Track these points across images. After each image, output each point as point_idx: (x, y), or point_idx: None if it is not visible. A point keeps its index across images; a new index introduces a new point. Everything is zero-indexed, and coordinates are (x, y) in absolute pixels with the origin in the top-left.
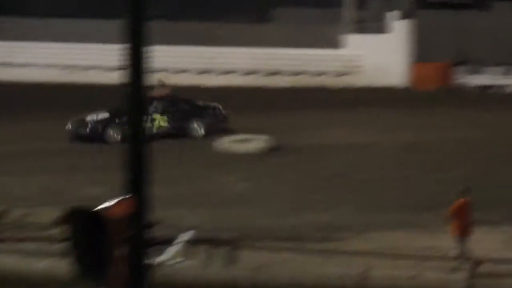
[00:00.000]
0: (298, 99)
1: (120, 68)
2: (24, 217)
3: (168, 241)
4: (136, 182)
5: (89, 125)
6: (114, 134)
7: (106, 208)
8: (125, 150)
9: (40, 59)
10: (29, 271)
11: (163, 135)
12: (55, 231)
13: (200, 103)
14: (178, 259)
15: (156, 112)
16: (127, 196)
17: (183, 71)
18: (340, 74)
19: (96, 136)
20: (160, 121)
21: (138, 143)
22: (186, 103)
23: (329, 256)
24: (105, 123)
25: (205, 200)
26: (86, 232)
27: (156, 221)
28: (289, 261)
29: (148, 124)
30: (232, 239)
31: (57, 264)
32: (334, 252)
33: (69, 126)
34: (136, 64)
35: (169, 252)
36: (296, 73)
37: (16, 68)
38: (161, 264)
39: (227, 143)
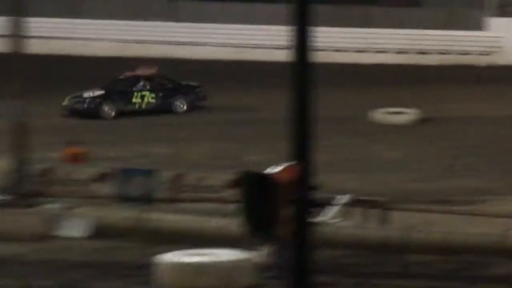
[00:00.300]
0: (444, 76)
1: (286, 47)
2: (199, 180)
3: (327, 203)
4: (302, 150)
5: (86, 101)
6: (108, 110)
7: (274, 172)
8: (291, 122)
9: (215, 39)
10: (204, 228)
11: (151, 110)
12: (227, 193)
13: (183, 82)
14: (337, 219)
15: (144, 89)
16: (293, 162)
17: (342, 50)
18: (483, 54)
19: (92, 112)
20: (148, 98)
21: (303, 115)
22: (171, 82)
23: (474, 218)
24: (100, 100)
25: (361, 166)
26: (256, 194)
27: (318, 184)
28: (436, 222)
29: (138, 100)
30: (384, 202)
31: (229, 222)
32: (478, 214)
33: (66, 102)
34: (302, 43)
35: (329, 213)
36: (443, 53)
37: (195, 47)
38: (322, 223)
39: (381, 115)
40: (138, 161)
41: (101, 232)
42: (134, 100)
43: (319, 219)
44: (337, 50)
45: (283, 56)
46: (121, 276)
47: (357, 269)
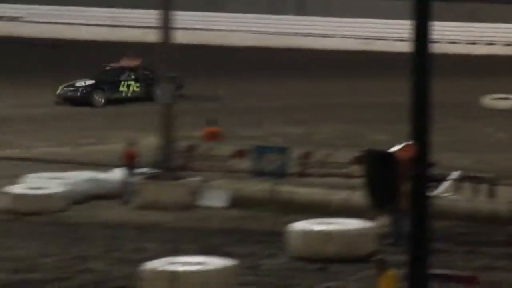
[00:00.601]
0: None
1: (407, 40)
2: (326, 157)
3: (440, 179)
4: (420, 131)
5: (79, 90)
6: (98, 98)
7: (395, 151)
8: (411, 106)
9: (341, 32)
10: (331, 200)
11: (135, 98)
12: (352, 169)
13: None
14: (448, 194)
15: (130, 79)
16: (411, 142)
17: (455, 42)
18: None
19: (85, 100)
20: (133, 87)
21: (422, 101)
22: (152, 73)
23: None
24: (91, 89)
25: (470, 146)
26: (378, 170)
27: (434, 162)
28: None
29: (125, 89)
30: (491, 178)
31: (353, 195)
32: None
33: (59, 90)
34: (421, 36)
35: (442, 188)
36: None
37: (323, 38)
38: (436, 197)
39: (489, 100)
40: (271, 139)
41: (238, 202)
42: (121, 89)
43: (433, 193)
44: (451, 42)
45: (403, 47)
46: (256, 242)
47: (467, 238)
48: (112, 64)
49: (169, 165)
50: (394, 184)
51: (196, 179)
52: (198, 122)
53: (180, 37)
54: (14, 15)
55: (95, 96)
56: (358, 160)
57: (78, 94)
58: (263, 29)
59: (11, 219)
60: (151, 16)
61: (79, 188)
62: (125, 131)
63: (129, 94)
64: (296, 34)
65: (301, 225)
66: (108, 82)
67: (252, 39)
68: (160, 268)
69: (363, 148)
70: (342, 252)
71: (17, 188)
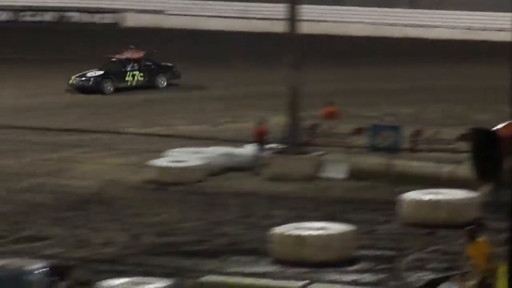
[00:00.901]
0: None
1: (508, 30)
2: (435, 134)
3: None
4: None
5: (91, 80)
6: (108, 87)
7: (498, 128)
8: (511, 89)
9: (447, 22)
10: (438, 173)
11: (139, 87)
12: (458, 145)
13: (162, 63)
14: None
15: (135, 70)
16: None
17: None
18: None
19: (97, 88)
20: (137, 77)
21: None
22: (153, 63)
23: None
24: (101, 78)
25: None
26: (483, 146)
27: None
28: None
29: (130, 79)
30: None
31: (459, 169)
32: None
33: (72, 80)
34: None
35: None
36: None
37: (430, 29)
38: None
39: None
40: (385, 118)
41: (355, 175)
42: (127, 78)
43: None
44: None
45: (505, 37)
46: (371, 210)
47: None
48: (117, 56)
49: (295, 141)
50: (497, 159)
51: (318, 153)
52: (318, 103)
53: (305, 28)
54: (158, 8)
55: (105, 85)
56: (464, 137)
57: (90, 83)
58: (378, 20)
59: (156, 189)
60: (279, 9)
61: (215, 162)
62: (255, 111)
63: (134, 83)
64: (408, 25)
65: (412, 195)
66: (115, 72)
67: (368, 30)
68: (287, 233)
69: (468, 126)
70: (449, 219)
71: (161, 161)
